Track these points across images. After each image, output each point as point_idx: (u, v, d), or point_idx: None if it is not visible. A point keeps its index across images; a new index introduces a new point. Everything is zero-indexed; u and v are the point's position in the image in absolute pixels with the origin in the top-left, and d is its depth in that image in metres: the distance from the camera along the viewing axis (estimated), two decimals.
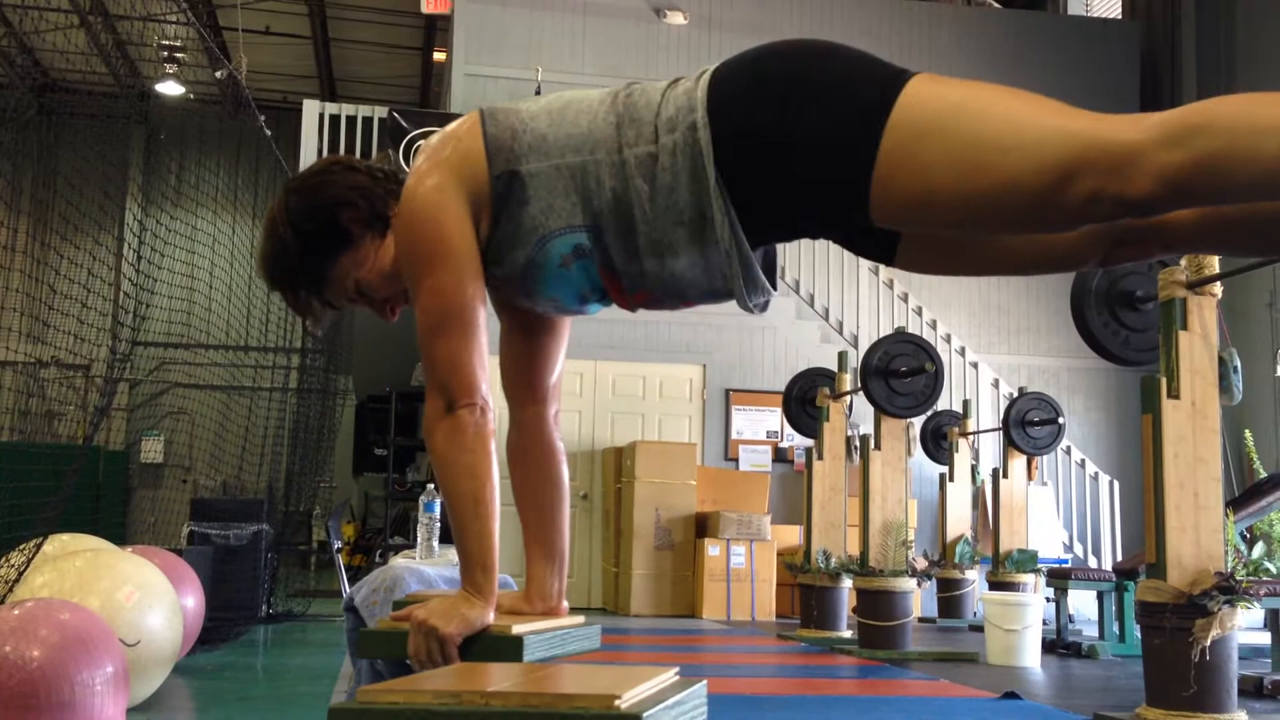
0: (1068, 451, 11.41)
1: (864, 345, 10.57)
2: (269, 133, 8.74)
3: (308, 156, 11.41)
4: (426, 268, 1.77)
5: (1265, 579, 5.01)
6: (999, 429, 9.85)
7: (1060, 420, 9.44)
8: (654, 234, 1.73)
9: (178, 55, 12.73)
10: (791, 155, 1.60)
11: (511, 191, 1.78)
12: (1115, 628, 7.47)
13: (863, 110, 1.53)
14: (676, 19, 12.09)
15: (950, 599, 9.75)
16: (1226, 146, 1.39)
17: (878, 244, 1.82)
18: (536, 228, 1.78)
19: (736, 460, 10.96)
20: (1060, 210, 1.46)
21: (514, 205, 1.78)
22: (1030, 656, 6.61)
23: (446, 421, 1.75)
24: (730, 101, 1.65)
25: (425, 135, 10.77)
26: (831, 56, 1.61)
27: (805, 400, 9.26)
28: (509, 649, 1.73)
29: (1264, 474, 7.14)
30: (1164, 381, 4.49)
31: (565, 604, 1.99)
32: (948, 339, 11.46)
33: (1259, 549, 5.33)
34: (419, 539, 3.88)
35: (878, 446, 7.27)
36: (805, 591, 8.33)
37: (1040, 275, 1.75)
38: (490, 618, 1.74)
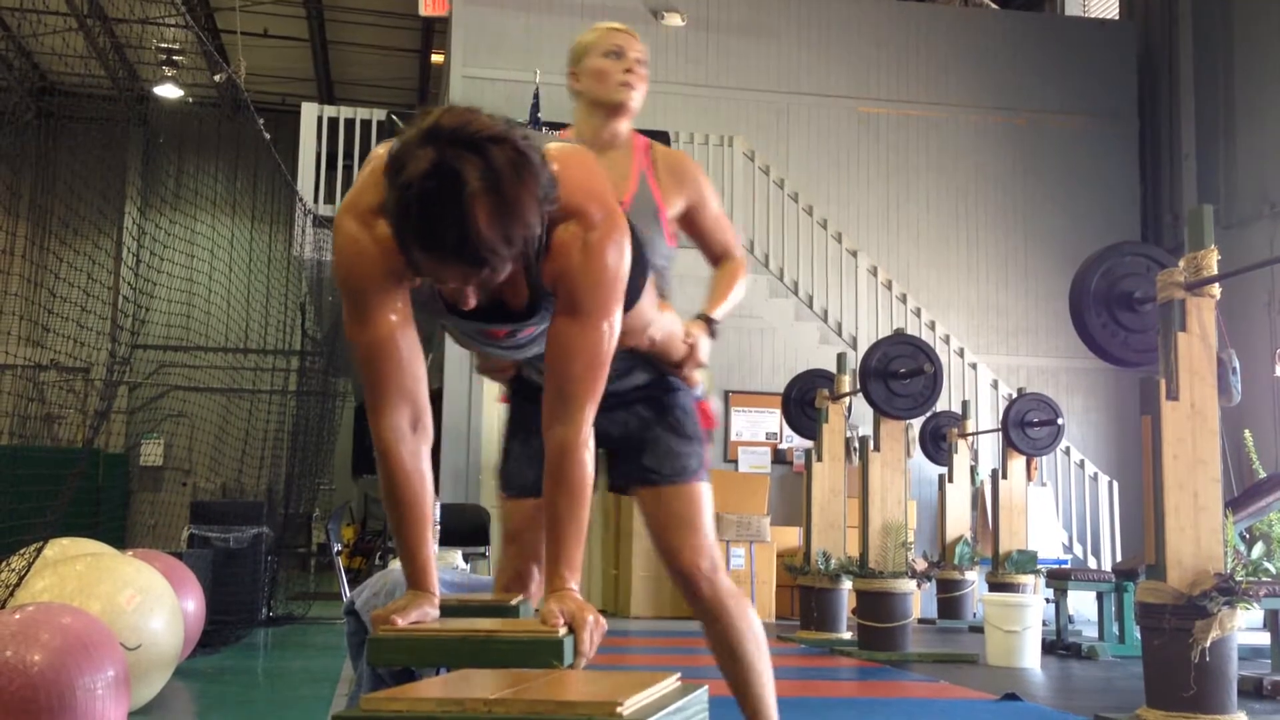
0: (1067, 452, 11.41)
1: (863, 346, 10.56)
2: (268, 135, 8.74)
3: (306, 159, 11.39)
4: (617, 298, 1.90)
5: (1265, 579, 5.01)
6: (998, 430, 9.85)
7: (1059, 421, 9.44)
8: None
9: (176, 58, 12.74)
10: None
11: None
12: (1115, 629, 7.47)
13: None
14: (674, 21, 12.08)
15: (950, 600, 9.75)
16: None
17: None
18: None
19: (736, 462, 10.95)
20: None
21: None
22: (1030, 658, 6.61)
23: (592, 441, 1.90)
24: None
25: None
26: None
27: (804, 402, 9.26)
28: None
29: (1263, 474, 7.13)
30: (1163, 383, 4.49)
31: None
32: (946, 340, 11.45)
33: (1258, 549, 5.33)
34: None
35: (877, 448, 7.27)
36: (805, 593, 8.33)
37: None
38: None
